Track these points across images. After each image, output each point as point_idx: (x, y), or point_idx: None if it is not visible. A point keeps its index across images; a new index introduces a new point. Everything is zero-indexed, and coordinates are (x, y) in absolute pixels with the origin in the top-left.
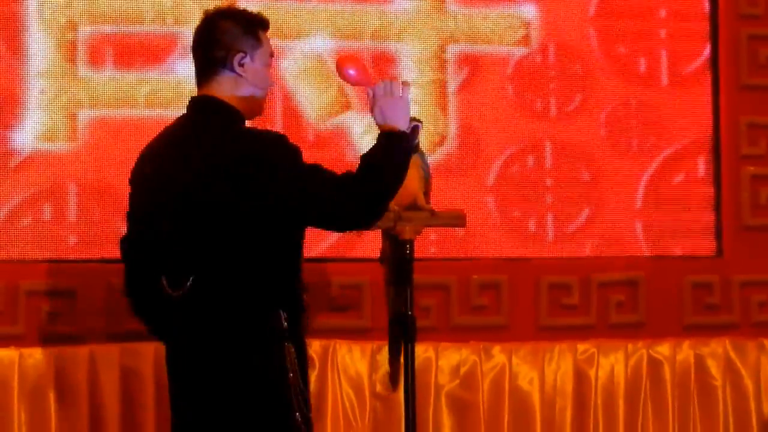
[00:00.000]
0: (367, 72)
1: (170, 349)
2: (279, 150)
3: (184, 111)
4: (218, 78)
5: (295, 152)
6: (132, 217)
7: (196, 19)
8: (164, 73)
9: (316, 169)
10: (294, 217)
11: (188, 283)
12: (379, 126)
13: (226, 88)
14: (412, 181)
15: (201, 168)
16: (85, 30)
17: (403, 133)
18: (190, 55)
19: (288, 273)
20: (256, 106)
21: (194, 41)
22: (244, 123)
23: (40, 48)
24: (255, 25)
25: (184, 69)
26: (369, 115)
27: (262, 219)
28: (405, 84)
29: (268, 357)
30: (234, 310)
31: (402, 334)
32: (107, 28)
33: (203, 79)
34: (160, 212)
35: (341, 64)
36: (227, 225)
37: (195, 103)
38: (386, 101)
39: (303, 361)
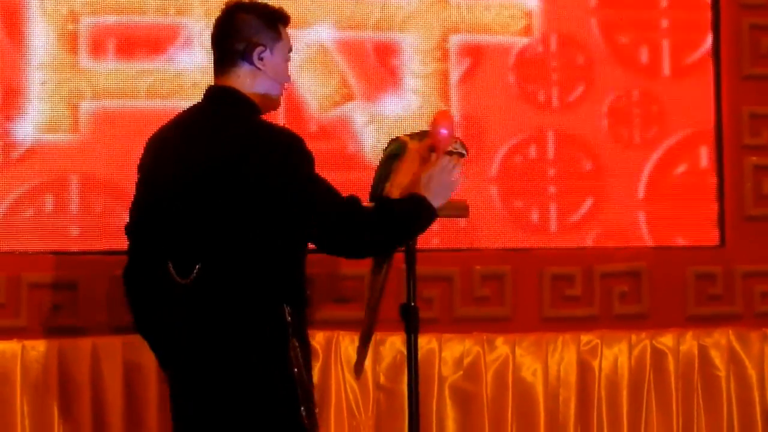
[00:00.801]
0: (450, 139)
1: (166, 341)
2: (295, 154)
3: (186, 101)
4: (237, 70)
5: (310, 160)
6: (139, 204)
7: (197, 10)
8: (166, 64)
9: (328, 187)
10: (297, 224)
11: (195, 271)
12: (421, 190)
13: (245, 80)
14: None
15: (216, 157)
16: (86, 21)
17: (432, 209)
18: (192, 46)
19: (293, 268)
20: (273, 100)
21: (214, 32)
22: (260, 116)
23: (41, 39)
24: (276, 20)
25: (186, 60)
26: (374, 105)
27: (269, 216)
28: (460, 159)
29: (272, 352)
30: (239, 302)
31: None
32: (109, 19)
33: (221, 71)
34: (171, 199)
35: (440, 122)
36: (237, 216)
37: (212, 93)
38: (441, 177)
39: (307, 355)
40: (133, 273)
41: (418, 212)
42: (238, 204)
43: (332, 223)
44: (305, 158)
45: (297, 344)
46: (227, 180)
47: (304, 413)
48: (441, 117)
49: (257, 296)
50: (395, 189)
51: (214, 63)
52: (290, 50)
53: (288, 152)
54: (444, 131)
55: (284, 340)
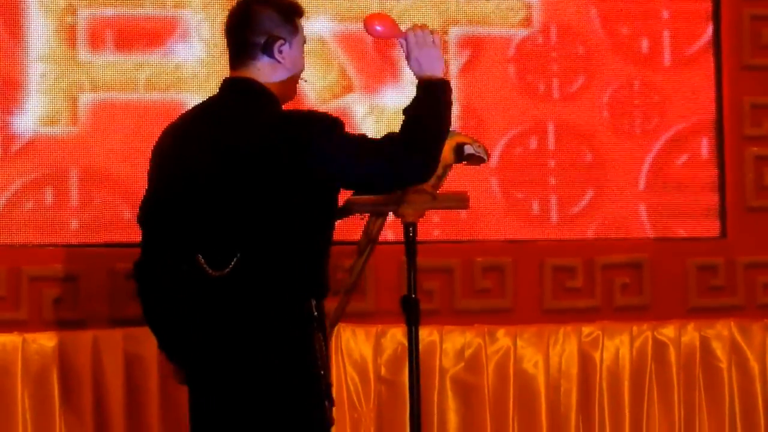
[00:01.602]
0: (395, 25)
1: (188, 335)
2: (328, 125)
3: (185, 93)
4: (256, 63)
5: (341, 125)
6: (157, 196)
7: (195, 3)
8: (164, 57)
9: (363, 137)
10: (353, 184)
11: (233, 263)
12: (417, 76)
13: (264, 72)
14: None
15: (248, 146)
16: (84, 13)
17: (441, 80)
18: (191, 39)
19: (320, 258)
20: (291, 91)
21: (229, 24)
22: (280, 106)
23: (40, 32)
24: (292, 13)
25: (185, 52)
26: (374, 96)
27: (303, 199)
28: (434, 32)
29: (301, 345)
30: (273, 294)
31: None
32: (107, 12)
33: (240, 63)
34: (200, 190)
35: (369, 23)
36: (274, 204)
37: (232, 85)
38: (420, 51)
39: (328, 349)
40: (149, 266)
41: (431, 93)
42: (274, 192)
43: (384, 158)
44: (337, 125)
45: (321, 338)
46: (262, 168)
47: (328, 406)
48: (369, 19)
49: (289, 288)
50: None
51: (229, 55)
52: (305, 42)
53: (317, 126)
54: (378, 27)
55: (311, 333)
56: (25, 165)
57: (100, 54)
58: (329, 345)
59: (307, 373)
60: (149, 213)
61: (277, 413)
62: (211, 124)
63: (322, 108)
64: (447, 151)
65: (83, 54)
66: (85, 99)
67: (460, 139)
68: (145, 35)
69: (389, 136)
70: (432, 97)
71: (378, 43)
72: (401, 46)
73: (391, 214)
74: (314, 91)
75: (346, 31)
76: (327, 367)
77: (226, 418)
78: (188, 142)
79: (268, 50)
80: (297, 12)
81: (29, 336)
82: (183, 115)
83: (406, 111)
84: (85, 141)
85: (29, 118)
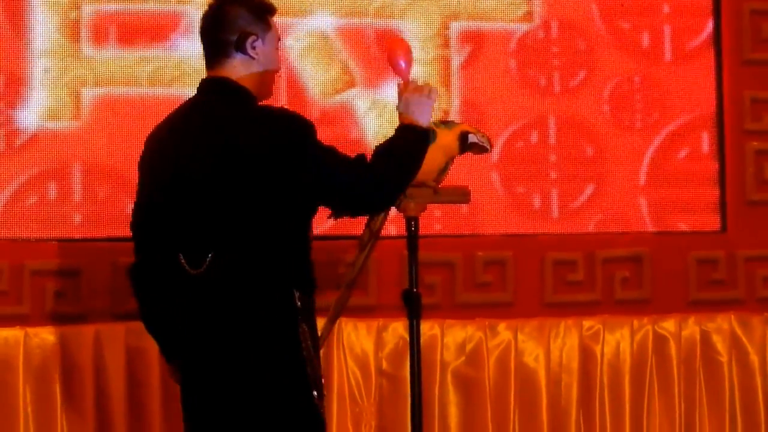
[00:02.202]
0: (410, 67)
1: (179, 332)
2: (299, 130)
3: (187, 88)
4: (230, 61)
5: (312, 130)
6: (144, 201)
7: None
8: (167, 52)
9: (334, 152)
10: (310, 194)
11: (207, 261)
12: (401, 116)
13: (239, 70)
14: (429, 164)
15: (220, 145)
16: (88, 9)
17: (421, 129)
18: (193, 34)
19: (301, 253)
20: (268, 88)
21: (203, 26)
22: (257, 103)
23: (43, 27)
24: (264, 11)
25: (187, 47)
26: (376, 92)
27: (279, 198)
28: (433, 90)
29: (282, 337)
30: (250, 289)
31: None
32: (110, 7)
33: (214, 62)
34: (178, 192)
35: (396, 51)
36: (246, 203)
37: (208, 84)
38: (414, 96)
39: (315, 340)
40: (143, 269)
41: (410, 136)
42: (246, 190)
43: (347, 182)
44: (307, 129)
45: (306, 329)
46: (234, 167)
47: (316, 396)
48: (396, 47)
49: (267, 283)
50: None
51: (205, 56)
52: (279, 39)
53: (289, 128)
54: (403, 63)
55: (294, 325)
56: (28, 159)
57: (103, 49)
58: (324, 338)
59: (290, 364)
60: (140, 217)
61: (259, 405)
62: (186, 127)
63: (325, 103)
64: (452, 141)
65: (86, 49)
66: (88, 94)
67: (464, 128)
68: (148, 30)
69: (361, 158)
70: (409, 140)
71: (380, 39)
72: (398, 86)
73: (393, 208)
74: (317, 86)
75: (348, 26)
76: (314, 359)
77: (212, 410)
78: (166, 148)
79: (240, 47)
80: (268, 10)
81: (31, 330)
82: (163, 120)
83: (384, 145)
84: (88, 135)
85: (32, 113)
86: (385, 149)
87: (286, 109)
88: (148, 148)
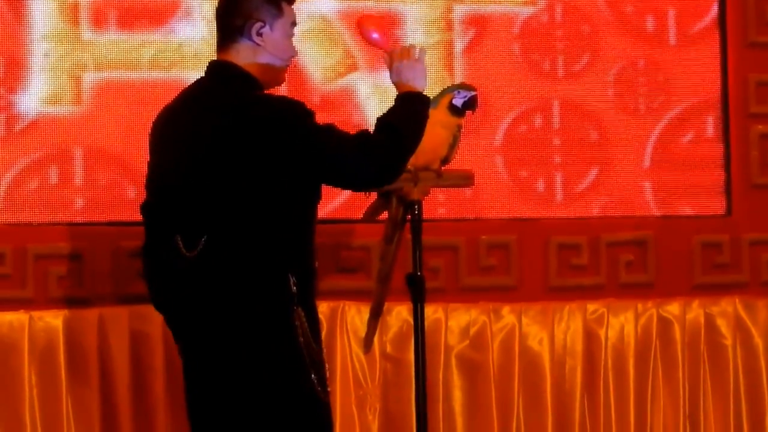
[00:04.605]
0: (388, 36)
1: (178, 315)
2: (295, 113)
3: (188, 72)
4: (236, 45)
5: (310, 115)
6: (151, 182)
7: None
8: (168, 36)
9: (332, 130)
10: (311, 176)
11: (201, 244)
12: (396, 85)
13: (244, 55)
14: (434, 143)
15: (216, 129)
16: None
17: (420, 93)
18: (193, 17)
19: (299, 238)
20: (275, 76)
21: (217, 8)
22: (260, 90)
23: (43, 11)
24: None
25: (187, 31)
26: (378, 76)
27: (274, 181)
28: (421, 49)
29: (276, 320)
30: (243, 273)
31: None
32: None
33: (222, 46)
34: (178, 175)
35: (365, 26)
36: (240, 187)
37: (212, 68)
38: (403, 63)
39: (314, 325)
40: (148, 250)
41: (407, 104)
42: (241, 174)
43: (347, 157)
44: (304, 115)
45: (302, 313)
46: (229, 151)
47: (315, 380)
48: (366, 22)
49: (261, 267)
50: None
51: (216, 39)
52: (294, 25)
53: (285, 111)
54: (375, 35)
55: (289, 309)
56: (29, 144)
57: (103, 33)
58: (371, 336)
59: (283, 347)
60: (146, 198)
61: (253, 386)
62: (188, 109)
63: (326, 88)
64: (444, 115)
65: (87, 33)
66: (89, 78)
67: (448, 97)
68: (148, 14)
69: (363, 132)
70: (408, 108)
71: (382, 23)
72: (385, 58)
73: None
74: (318, 70)
75: (350, 9)
76: (311, 344)
77: (207, 392)
78: (170, 129)
79: (246, 33)
80: None
81: (35, 314)
82: (171, 102)
83: (383, 118)
84: (88, 120)
85: (33, 98)
86: (384, 119)
87: (286, 96)
88: (154, 129)
